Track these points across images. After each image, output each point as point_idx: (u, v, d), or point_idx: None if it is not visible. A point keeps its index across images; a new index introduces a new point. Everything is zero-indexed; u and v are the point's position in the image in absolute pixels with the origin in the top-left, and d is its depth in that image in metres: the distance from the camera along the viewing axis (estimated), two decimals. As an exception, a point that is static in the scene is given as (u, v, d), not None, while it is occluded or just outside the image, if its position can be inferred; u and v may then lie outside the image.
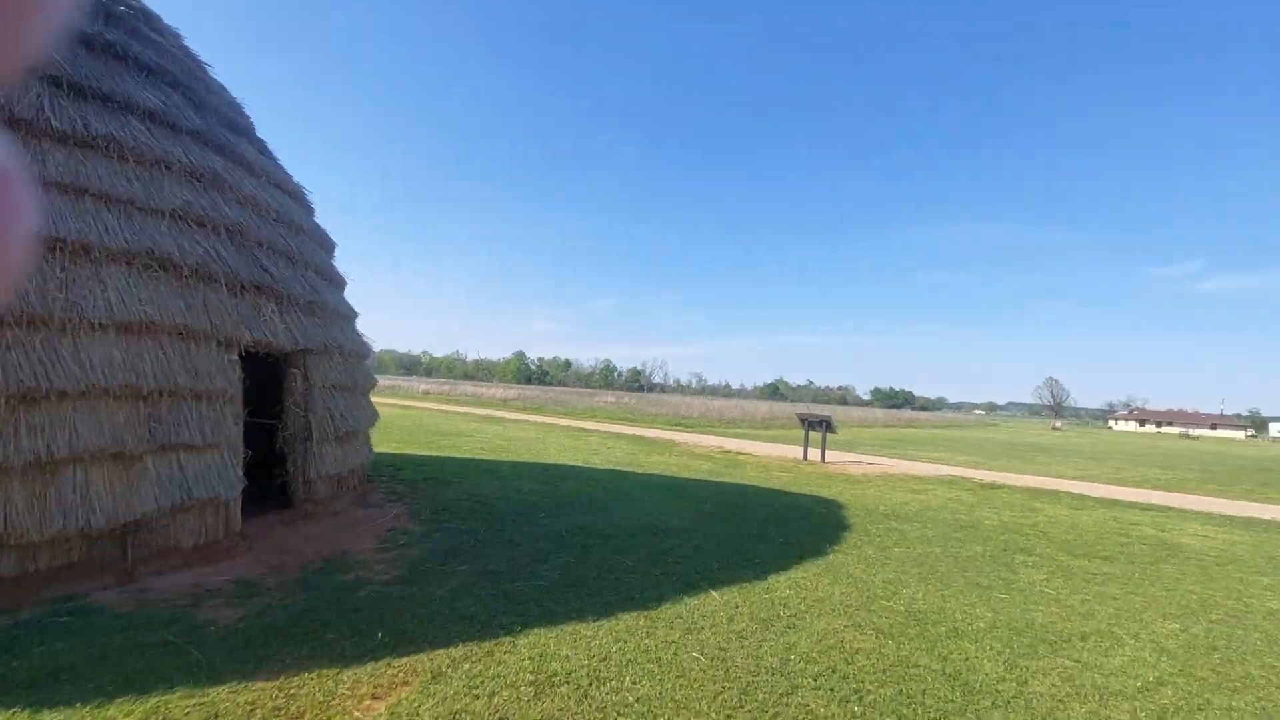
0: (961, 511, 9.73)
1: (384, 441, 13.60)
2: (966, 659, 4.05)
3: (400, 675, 3.37)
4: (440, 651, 3.66)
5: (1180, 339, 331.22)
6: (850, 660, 3.91)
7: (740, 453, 17.08)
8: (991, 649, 4.23)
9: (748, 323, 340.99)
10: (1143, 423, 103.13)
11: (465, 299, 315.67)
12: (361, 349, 8.19)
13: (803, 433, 16.41)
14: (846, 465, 15.60)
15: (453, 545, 5.87)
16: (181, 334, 4.94)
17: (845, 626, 4.47)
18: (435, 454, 12.40)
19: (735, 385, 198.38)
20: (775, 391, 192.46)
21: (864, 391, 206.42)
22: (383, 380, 62.29)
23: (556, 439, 17.24)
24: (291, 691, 3.14)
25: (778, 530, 7.46)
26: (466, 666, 3.50)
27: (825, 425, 15.73)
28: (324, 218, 8.59)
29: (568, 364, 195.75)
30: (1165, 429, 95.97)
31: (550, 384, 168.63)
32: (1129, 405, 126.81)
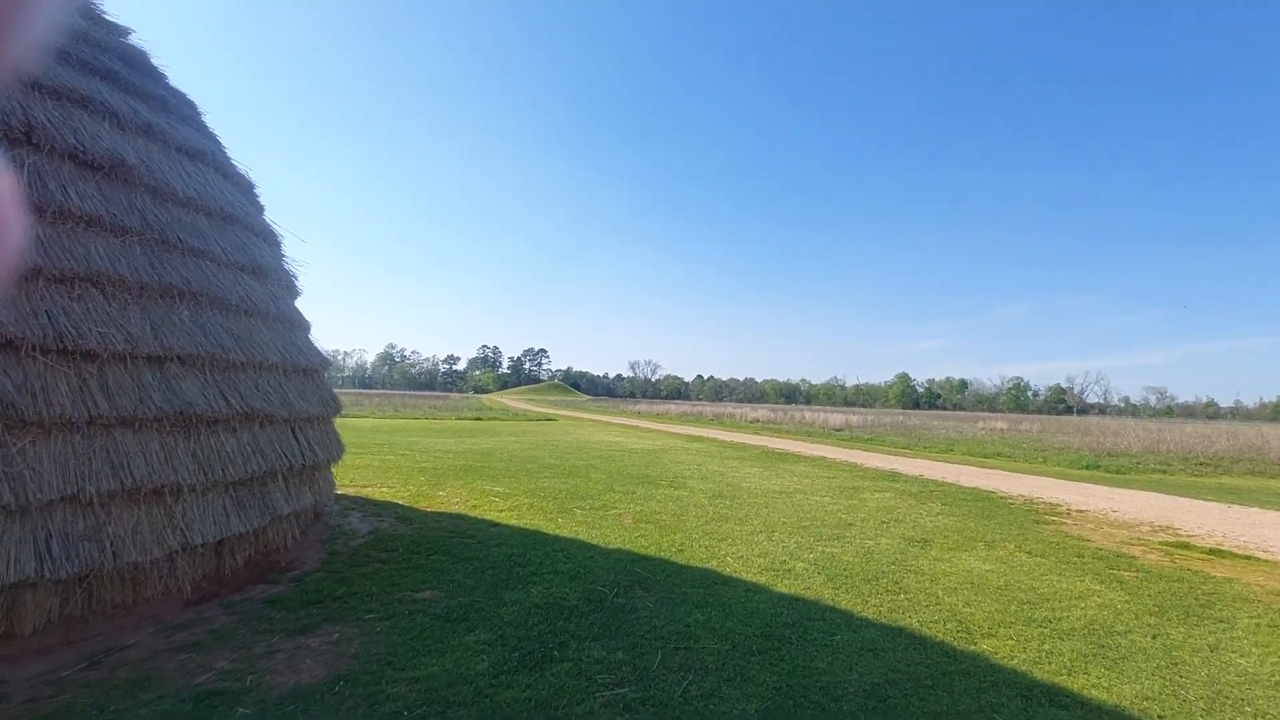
0: None
1: (553, 495, 9.92)
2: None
3: None
4: None
5: None
6: None
7: (1228, 551, 7.39)
8: None
9: (1236, 316, 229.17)
10: None
11: (847, 320, 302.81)
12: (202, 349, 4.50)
13: None
14: None
15: None
16: None
17: None
18: (548, 528, 7.98)
19: (1224, 403, 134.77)
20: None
21: None
22: (718, 408, 55.55)
23: (818, 497, 10.70)
24: None
25: None
26: None
27: None
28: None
29: (963, 384, 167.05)
30: None
31: (944, 408, 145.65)
32: None
